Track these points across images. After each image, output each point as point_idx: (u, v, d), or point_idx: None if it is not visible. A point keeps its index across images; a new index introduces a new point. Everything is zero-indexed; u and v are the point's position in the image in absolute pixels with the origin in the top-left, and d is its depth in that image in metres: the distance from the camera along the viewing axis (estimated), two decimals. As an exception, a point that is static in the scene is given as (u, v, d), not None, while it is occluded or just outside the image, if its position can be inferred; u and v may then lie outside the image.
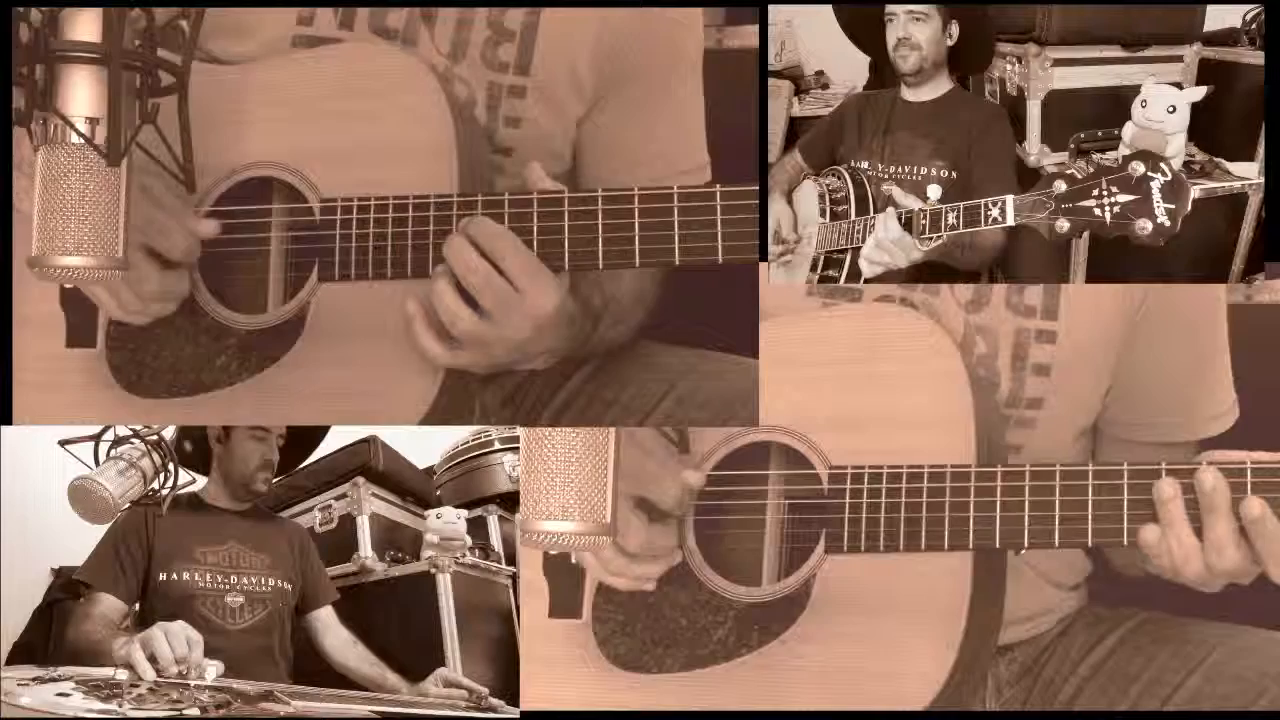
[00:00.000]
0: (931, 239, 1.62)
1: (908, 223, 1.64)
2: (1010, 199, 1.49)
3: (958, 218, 1.58)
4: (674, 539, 1.39)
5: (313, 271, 1.47)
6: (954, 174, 1.88)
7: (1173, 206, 1.34)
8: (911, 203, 1.69)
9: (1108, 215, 1.37)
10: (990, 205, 1.51)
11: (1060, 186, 1.41)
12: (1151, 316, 1.49)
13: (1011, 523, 1.30)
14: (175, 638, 1.59)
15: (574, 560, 1.38)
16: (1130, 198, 1.36)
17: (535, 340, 1.42)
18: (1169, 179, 1.35)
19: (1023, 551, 1.35)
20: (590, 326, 1.54)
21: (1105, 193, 1.37)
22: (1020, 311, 1.47)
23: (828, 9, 2.11)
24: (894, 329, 1.40)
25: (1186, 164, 1.82)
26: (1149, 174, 1.35)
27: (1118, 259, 1.72)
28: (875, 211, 1.85)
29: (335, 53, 1.53)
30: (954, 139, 1.90)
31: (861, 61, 2.14)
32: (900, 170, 1.91)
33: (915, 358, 1.38)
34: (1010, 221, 1.49)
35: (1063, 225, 1.41)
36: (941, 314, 1.45)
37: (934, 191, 1.72)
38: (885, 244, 1.65)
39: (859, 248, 1.73)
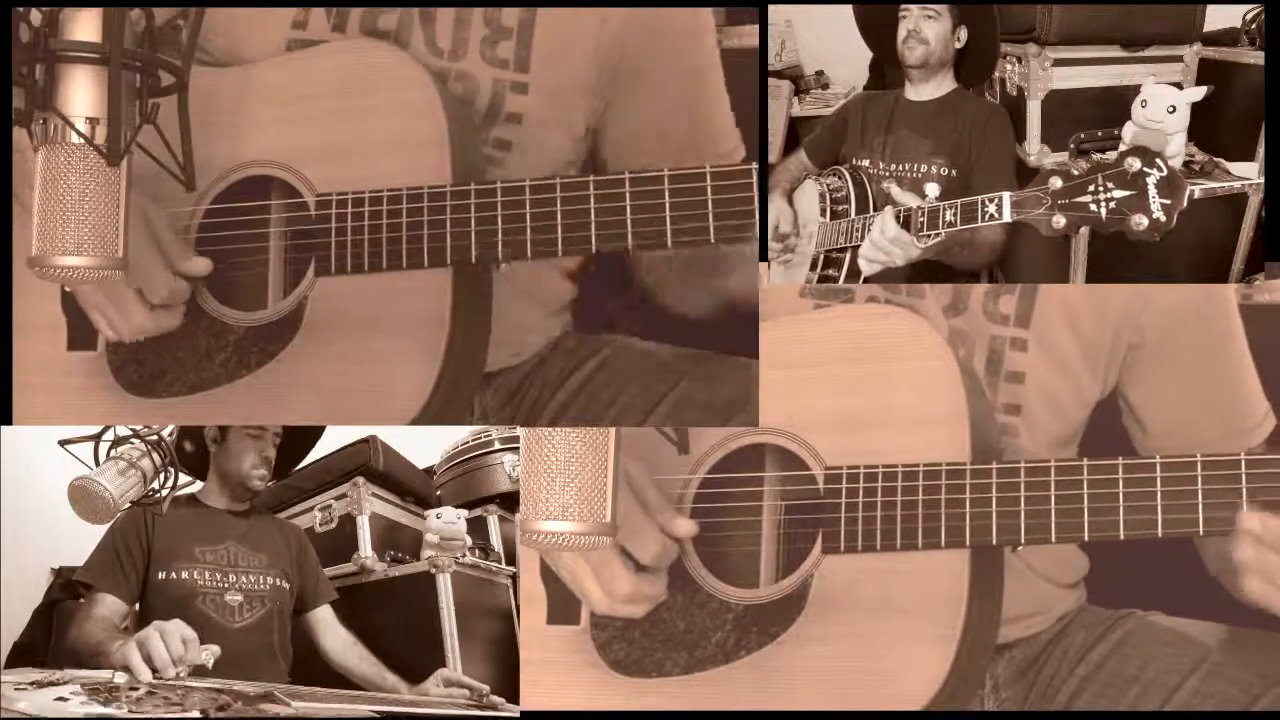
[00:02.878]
0: (929, 237, 1.62)
1: (905, 221, 1.64)
2: (1007, 195, 1.49)
3: (955, 215, 1.58)
4: (661, 586, 1.39)
5: (309, 267, 1.47)
6: (953, 172, 1.89)
7: (1168, 202, 1.35)
8: (909, 200, 1.69)
9: (1103, 211, 1.38)
10: (987, 202, 1.52)
11: (1056, 183, 1.41)
12: (1163, 337, 1.49)
13: (1008, 518, 1.30)
14: (171, 637, 1.59)
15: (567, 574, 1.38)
16: (1126, 193, 1.37)
17: None
18: (1164, 174, 1.35)
19: (1019, 549, 1.35)
20: None
21: (1101, 188, 1.38)
22: (995, 319, 1.48)
23: (828, 9, 2.12)
24: (887, 329, 1.40)
25: (1186, 164, 1.83)
26: (1145, 169, 1.36)
27: (1118, 258, 1.72)
28: (875, 210, 1.85)
29: (330, 50, 1.53)
30: (954, 137, 1.91)
31: (861, 62, 2.14)
32: (900, 168, 1.92)
33: (908, 357, 1.38)
34: (1007, 218, 1.49)
35: (1059, 221, 1.41)
36: (927, 317, 1.45)
37: (932, 189, 1.72)
38: (882, 243, 1.65)
39: (859, 246, 1.74)
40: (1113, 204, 1.37)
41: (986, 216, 1.52)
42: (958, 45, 1.93)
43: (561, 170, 1.64)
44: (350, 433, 2.53)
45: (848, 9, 2.06)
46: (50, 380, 1.53)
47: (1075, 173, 1.41)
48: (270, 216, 1.51)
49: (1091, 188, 1.38)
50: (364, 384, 1.46)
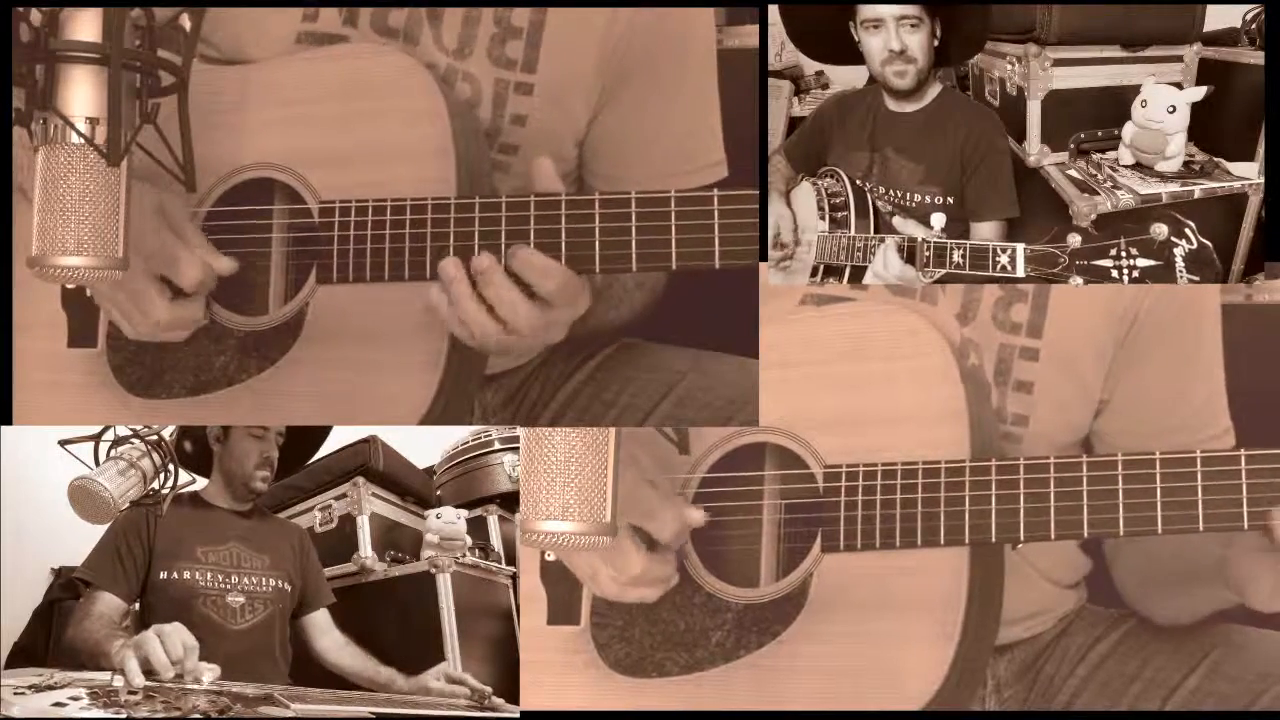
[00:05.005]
0: (935, 273, 1.58)
1: (910, 253, 1.61)
2: (1020, 248, 1.45)
3: (964, 258, 1.55)
4: (672, 567, 1.38)
5: (311, 274, 1.47)
6: (950, 199, 1.83)
7: (1197, 279, 1.30)
8: (914, 230, 1.66)
9: (1125, 279, 1.32)
10: (999, 251, 1.48)
11: (1075, 240, 1.36)
12: (1142, 337, 1.48)
13: (1007, 516, 1.30)
14: (170, 641, 1.58)
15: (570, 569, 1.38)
16: (1151, 263, 1.32)
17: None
18: (1194, 247, 1.30)
19: (1019, 547, 1.34)
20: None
21: (1125, 254, 1.33)
22: (1006, 328, 1.47)
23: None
24: (885, 326, 1.40)
25: (1186, 164, 1.82)
26: (1173, 239, 1.30)
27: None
28: (874, 218, 1.82)
29: (335, 54, 1.53)
30: (947, 158, 1.84)
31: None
32: (894, 195, 1.86)
33: (906, 354, 1.37)
34: (1020, 273, 1.44)
35: (1077, 283, 1.37)
36: (939, 322, 1.44)
37: (938, 220, 1.68)
38: (886, 278, 1.61)
39: (860, 266, 1.71)
40: (1136, 273, 1.31)
41: (998, 267, 1.47)
42: (934, 43, 1.81)
43: (565, 175, 1.64)
44: (350, 433, 2.53)
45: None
46: (50, 377, 1.53)
47: (1095, 232, 1.35)
48: (273, 221, 1.51)
49: (1114, 252, 1.34)
50: (363, 393, 1.46)
